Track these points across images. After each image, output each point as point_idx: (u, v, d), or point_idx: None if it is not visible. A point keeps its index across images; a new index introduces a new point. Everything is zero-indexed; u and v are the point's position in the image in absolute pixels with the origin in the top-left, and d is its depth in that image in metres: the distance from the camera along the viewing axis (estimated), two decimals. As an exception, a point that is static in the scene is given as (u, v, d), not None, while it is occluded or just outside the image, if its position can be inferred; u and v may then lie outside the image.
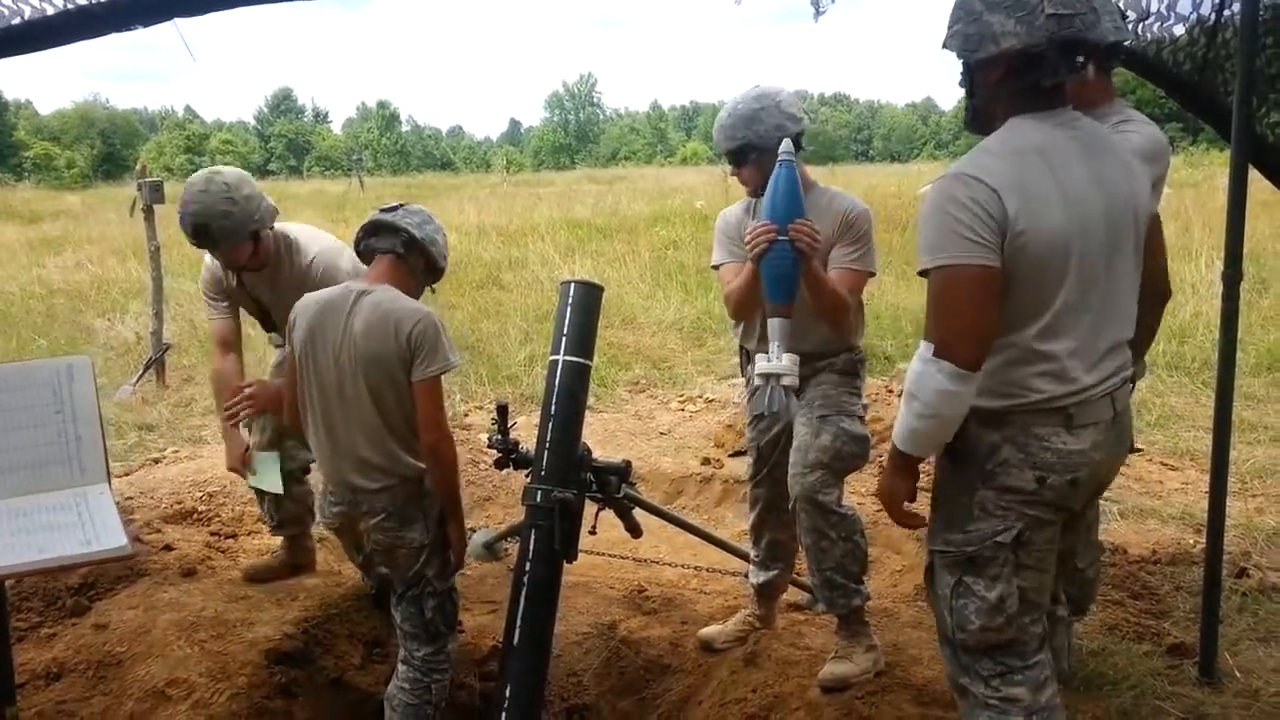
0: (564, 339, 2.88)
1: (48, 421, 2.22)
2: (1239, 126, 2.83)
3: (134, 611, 3.33)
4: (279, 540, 3.90)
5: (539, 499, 2.76)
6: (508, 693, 2.64)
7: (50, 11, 2.61)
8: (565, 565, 2.80)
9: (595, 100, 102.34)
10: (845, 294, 2.94)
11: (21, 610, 3.42)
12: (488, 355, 7.94)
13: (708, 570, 4.18)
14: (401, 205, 2.92)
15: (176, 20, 2.76)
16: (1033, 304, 1.94)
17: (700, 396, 7.02)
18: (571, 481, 2.82)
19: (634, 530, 3.35)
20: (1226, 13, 3.04)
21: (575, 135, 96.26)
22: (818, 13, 3.45)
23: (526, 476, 2.92)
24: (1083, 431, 1.98)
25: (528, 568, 2.72)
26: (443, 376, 2.75)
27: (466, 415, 6.39)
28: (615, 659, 3.52)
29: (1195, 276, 8.72)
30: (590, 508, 3.07)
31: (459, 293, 9.86)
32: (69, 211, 22.10)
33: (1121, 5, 2.99)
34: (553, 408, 2.85)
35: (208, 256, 3.51)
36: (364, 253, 2.92)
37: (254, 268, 3.43)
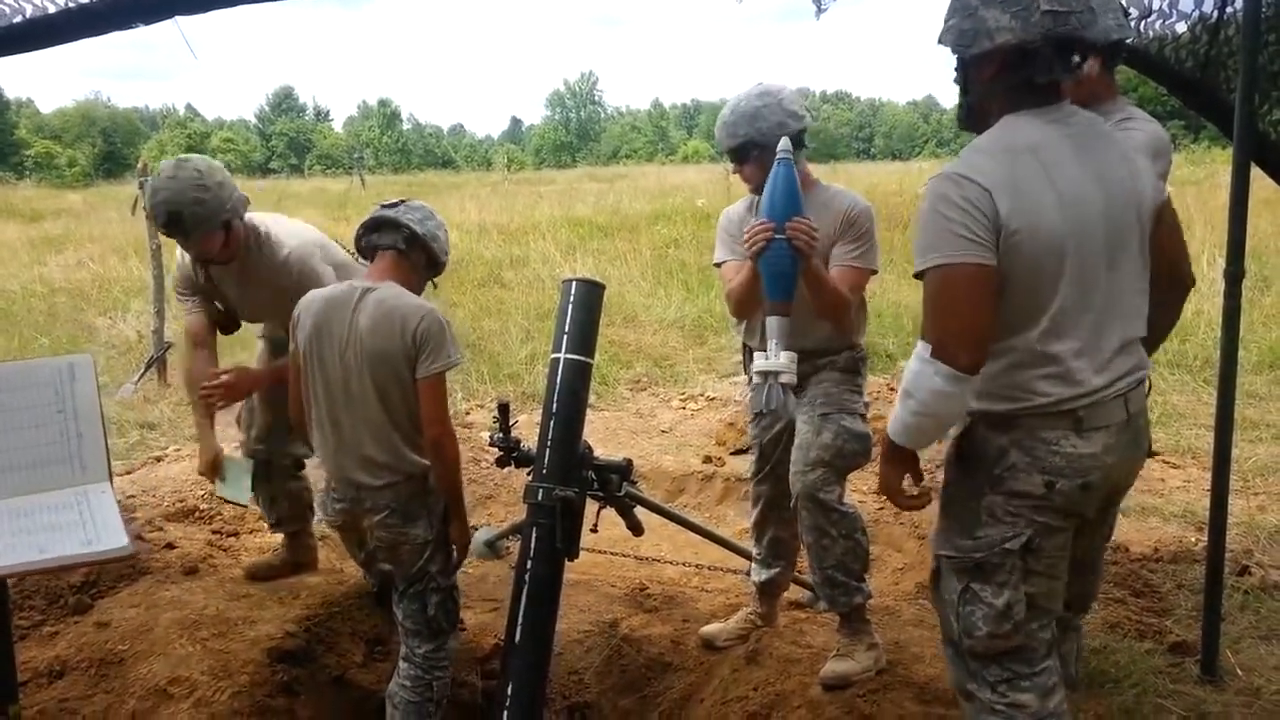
0: (565, 337, 2.88)
1: (49, 421, 2.22)
2: (1241, 124, 2.83)
3: (136, 610, 3.34)
4: (280, 538, 3.90)
5: (540, 497, 2.76)
6: (509, 690, 2.64)
7: (52, 10, 2.61)
8: (567, 563, 2.80)
9: (596, 98, 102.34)
10: (846, 292, 2.94)
11: (24, 609, 3.42)
12: (489, 353, 7.95)
13: (709, 568, 4.18)
14: (403, 201, 2.92)
15: (178, 18, 2.76)
16: (1031, 305, 1.92)
17: (701, 394, 7.02)
18: (573, 480, 2.82)
19: (635, 528, 3.35)
20: (1229, 10, 3.04)
21: (576, 133, 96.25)
22: (819, 10, 3.44)
23: (528, 475, 2.92)
24: (1093, 434, 1.95)
25: (529, 565, 2.73)
26: (446, 373, 2.76)
27: (468, 413, 6.39)
28: (617, 657, 3.52)
29: (1197, 274, 8.68)
30: (592, 506, 3.06)
31: (460, 291, 9.86)
32: (70, 210, 22.10)
33: (1124, 2, 2.98)
34: (554, 406, 2.85)
35: (180, 252, 3.44)
36: (365, 249, 2.92)
37: (223, 260, 3.34)
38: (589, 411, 3.21)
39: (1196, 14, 3.12)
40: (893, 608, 3.63)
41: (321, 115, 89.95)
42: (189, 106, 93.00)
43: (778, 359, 2.69)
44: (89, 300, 10.54)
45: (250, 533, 4.35)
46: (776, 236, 2.68)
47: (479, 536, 4.58)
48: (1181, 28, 3.14)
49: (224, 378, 3.34)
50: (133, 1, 2.70)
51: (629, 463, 3.15)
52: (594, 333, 2.95)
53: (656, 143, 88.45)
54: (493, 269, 11.55)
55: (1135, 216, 1.98)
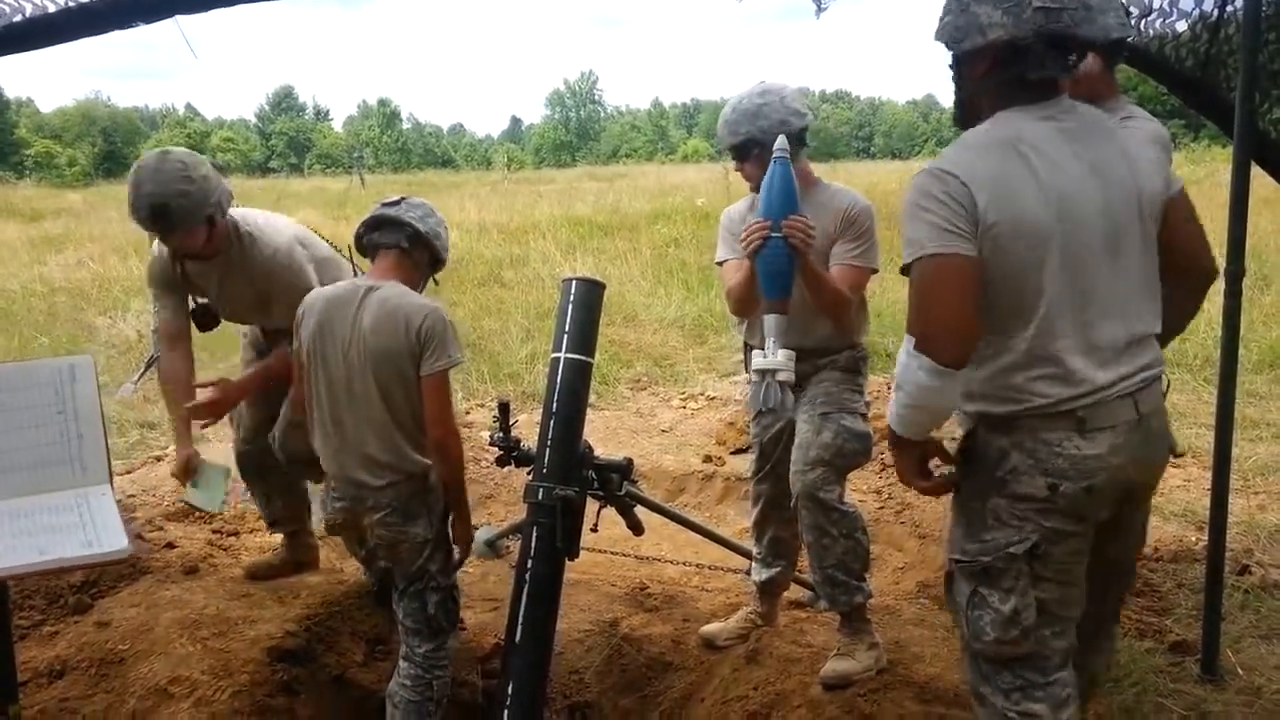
0: (566, 336, 2.88)
1: (49, 421, 2.21)
2: (1241, 123, 2.83)
3: (136, 609, 3.33)
4: (280, 538, 3.89)
5: (541, 496, 2.76)
6: (510, 690, 2.64)
7: (52, 9, 2.61)
8: (567, 563, 2.80)
9: (596, 98, 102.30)
10: (846, 290, 2.94)
11: (24, 608, 3.42)
12: (489, 353, 7.95)
13: (709, 568, 4.18)
14: (403, 199, 2.91)
15: (178, 18, 2.76)
16: (1020, 301, 1.90)
17: (702, 394, 7.02)
18: (573, 479, 2.82)
19: (636, 528, 3.35)
20: (1229, 9, 3.04)
21: (576, 133, 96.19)
22: (819, 9, 3.44)
23: (528, 474, 2.92)
24: (1097, 435, 1.91)
25: (530, 565, 2.73)
26: (449, 372, 2.76)
27: (468, 413, 6.39)
28: (617, 656, 3.52)
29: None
30: (592, 505, 3.06)
31: (460, 290, 9.86)
32: (70, 209, 22.09)
33: (1124, 1, 2.98)
34: (554, 405, 2.85)
35: (155, 247, 3.32)
36: (367, 248, 2.92)
37: (206, 255, 3.23)
38: (589, 411, 3.21)
39: (1197, 12, 3.13)
40: (893, 607, 3.63)
41: (321, 115, 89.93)
42: (189, 106, 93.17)
43: (775, 357, 2.70)
44: (89, 300, 10.53)
45: (250, 532, 4.35)
46: (773, 235, 2.68)
47: (479, 536, 4.58)
48: (1182, 26, 3.14)
49: (208, 393, 3.26)
50: (133, 1, 2.70)
51: (629, 462, 3.15)
52: (594, 332, 2.95)
53: (656, 142, 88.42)
54: (493, 268, 11.55)
55: (1137, 211, 1.94)
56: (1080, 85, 2.08)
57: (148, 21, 2.74)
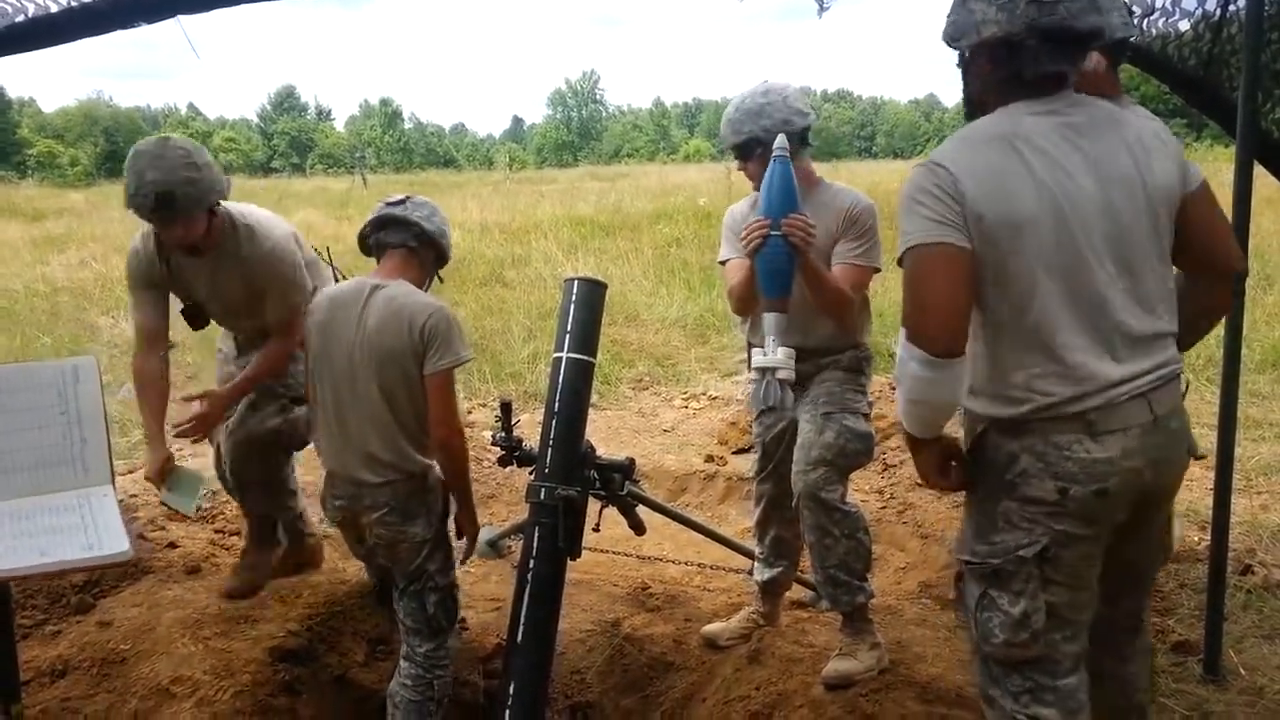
0: (568, 336, 2.88)
1: (52, 422, 2.21)
2: (1244, 122, 2.83)
3: (138, 609, 3.34)
4: (280, 535, 3.89)
5: (543, 496, 2.76)
6: (511, 690, 2.64)
7: (54, 9, 2.61)
8: (569, 562, 2.80)
9: (598, 97, 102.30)
10: (848, 289, 2.94)
11: (26, 608, 3.42)
12: (491, 352, 7.95)
13: (711, 568, 4.17)
14: (408, 198, 2.92)
15: (180, 17, 2.76)
16: (1016, 296, 1.89)
17: (704, 394, 7.02)
18: (575, 479, 2.82)
19: (637, 528, 3.35)
20: (1232, 8, 3.03)
21: (578, 132, 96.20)
22: (821, 9, 3.44)
23: (530, 474, 2.92)
24: (1108, 438, 1.87)
25: (531, 565, 2.72)
26: (454, 372, 2.76)
27: (470, 413, 6.39)
28: (619, 656, 3.52)
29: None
30: (594, 505, 3.06)
31: (462, 290, 9.86)
32: (72, 209, 22.12)
33: (1127, 0, 2.98)
34: (556, 405, 2.85)
35: (137, 239, 3.23)
36: (373, 247, 2.93)
37: (202, 248, 3.13)
38: (591, 411, 3.22)
39: (1199, 12, 3.12)
40: (895, 607, 3.63)
41: (323, 114, 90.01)
42: (191, 106, 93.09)
43: (775, 355, 2.70)
44: (91, 299, 10.54)
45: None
46: (773, 233, 2.68)
47: (481, 535, 4.58)
48: (1184, 25, 3.14)
49: (194, 407, 3.19)
50: (135, 1, 2.70)
51: (631, 462, 3.15)
52: (596, 332, 2.95)
53: (658, 142, 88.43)
54: (494, 268, 11.55)
55: (1144, 207, 1.90)
56: (1085, 84, 2.06)
57: (150, 21, 2.74)
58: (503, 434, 3.17)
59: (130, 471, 5.16)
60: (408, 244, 2.86)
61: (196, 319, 3.39)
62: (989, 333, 1.95)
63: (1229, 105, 2.97)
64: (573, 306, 2.90)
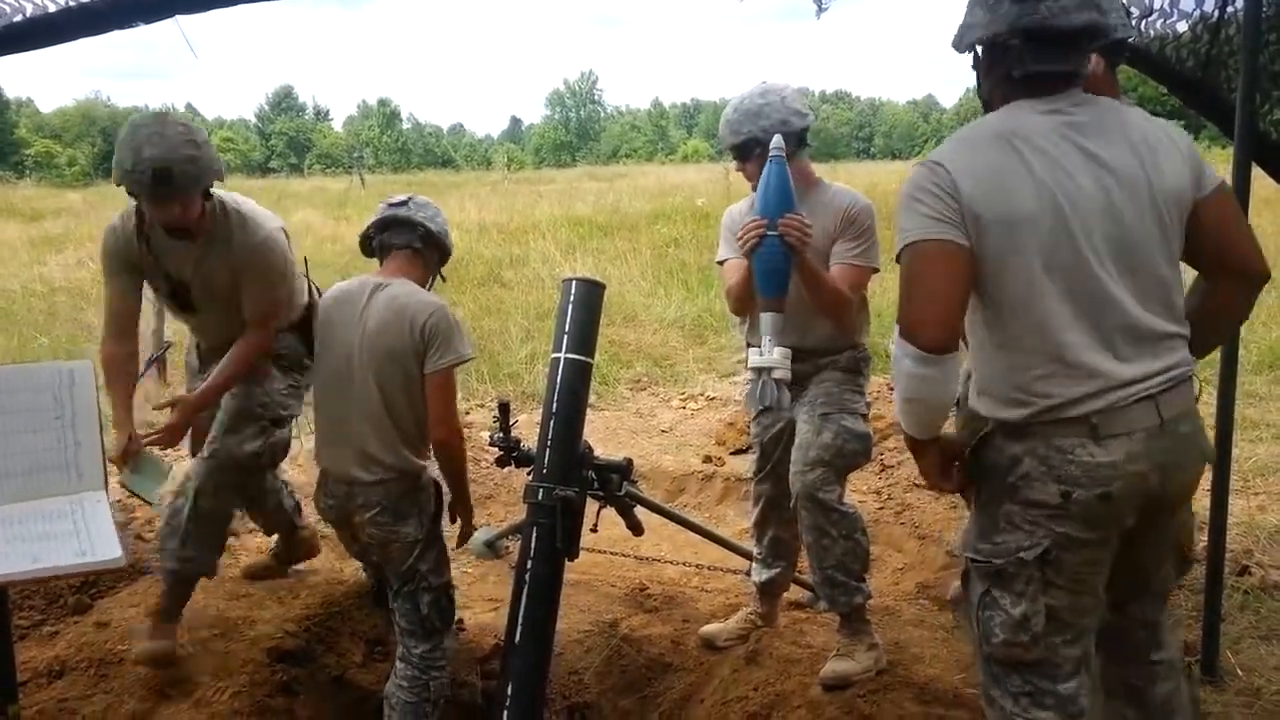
0: (566, 337, 2.88)
1: (47, 426, 2.18)
2: (1242, 124, 2.83)
3: (136, 610, 3.33)
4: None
5: (541, 497, 2.76)
6: (509, 691, 2.64)
7: (52, 9, 2.61)
8: (567, 563, 2.80)
9: (596, 98, 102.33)
10: (845, 289, 2.94)
11: (23, 608, 3.42)
12: (489, 353, 7.94)
13: (709, 568, 4.17)
14: (410, 198, 2.94)
15: (178, 17, 2.76)
16: (1017, 294, 1.88)
17: (701, 394, 7.02)
18: (573, 479, 2.82)
19: (635, 528, 3.35)
20: (1230, 9, 3.03)
21: (576, 133, 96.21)
22: (820, 10, 3.44)
23: (528, 474, 2.92)
24: (1112, 442, 1.85)
25: (529, 565, 2.72)
26: (455, 371, 2.78)
27: (468, 413, 6.39)
28: (617, 657, 3.52)
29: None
30: (592, 505, 3.06)
31: (460, 290, 9.85)
32: (70, 209, 22.08)
33: (1125, 1, 2.98)
34: (554, 405, 2.85)
35: (116, 218, 3.08)
36: (377, 248, 2.95)
37: (196, 232, 2.97)
38: (589, 411, 3.21)
39: (1197, 13, 3.12)
40: (893, 608, 3.63)
41: (321, 114, 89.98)
42: (189, 106, 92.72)
43: (771, 355, 2.70)
44: (89, 300, 10.52)
45: (250, 532, 4.34)
46: (769, 234, 2.69)
47: (479, 536, 4.58)
48: (1182, 27, 3.14)
49: (167, 416, 3.05)
50: (133, 1, 2.70)
51: (629, 462, 3.15)
52: (594, 332, 2.95)
53: (656, 142, 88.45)
54: (492, 268, 11.55)
55: (1149, 208, 1.88)
56: (1083, 85, 2.07)
57: (148, 21, 2.74)
58: (501, 434, 3.17)
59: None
60: (413, 245, 2.89)
61: (185, 303, 3.18)
62: (992, 334, 1.95)
63: (1227, 106, 2.97)
64: (570, 307, 2.90)
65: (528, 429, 3.25)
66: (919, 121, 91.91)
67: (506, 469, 3.40)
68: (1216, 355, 3.16)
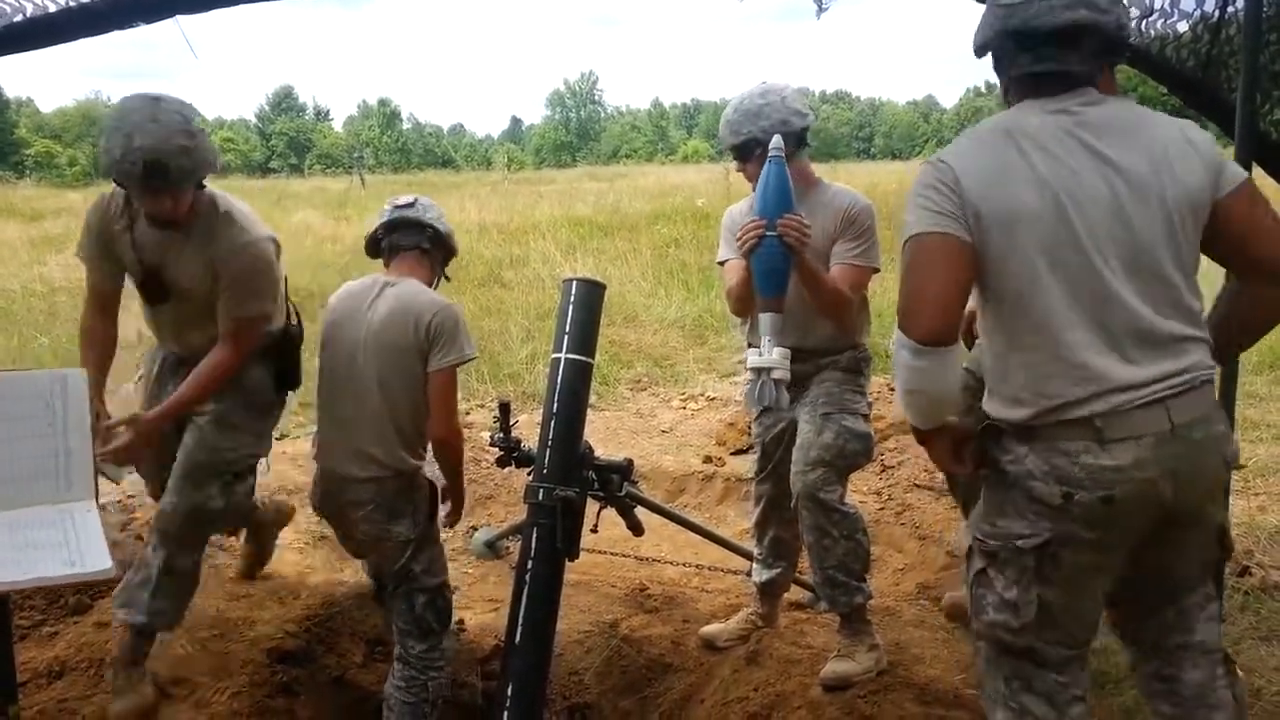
0: (566, 337, 2.88)
1: (38, 434, 2.15)
2: (1243, 124, 2.83)
3: (136, 610, 3.32)
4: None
5: (541, 497, 2.76)
6: (510, 691, 2.64)
7: (52, 9, 2.61)
8: (567, 563, 2.80)
9: (596, 98, 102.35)
10: (845, 289, 2.94)
11: (23, 609, 3.42)
12: (489, 353, 7.94)
13: (709, 569, 4.17)
14: (416, 199, 2.97)
15: (178, 18, 2.76)
16: (1019, 292, 1.88)
17: (702, 394, 7.02)
18: (573, 480, 2.82)
19: (636, 528, 3.35)
20: (1230, 9, 3.04)
21: (576, 133, 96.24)
22: (820, 10, 3.44)
23: (528, 475, 2.92)
24: (1117, 446, 1.82)
25: (530, 566, 2.72)
26: (457, 371, 2.80)
27: (468, 413, 6.38)
28: (617, 657, 3.52)
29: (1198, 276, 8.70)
30: (592, 506, 3.07)
31: (460, 290, 9.84)
32: (70, 209, 22.02)
33: (1126, 2, 2.98)
34: (555, 406, 2.85)
35: (105, 196, 2.90)
36: (385, 249, 2.97)
37: (182, 224, 2.79)
38: (589, 411, 3.21)
39: (1198, 13, 3.12)
40: (893, 608, 3.63)
41: (321, 115, 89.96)
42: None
43: (770, 355, 2.70)
44: (89, 300, 10.51)
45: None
46: (768, 234, 2.69)
47: (479, 536, 4.59)
48: (1183, 27, 3.14)
49: (122, 436, 2.75)
50: (133, 1, 2.70)
51: (629, 463, 3.15)
52: (594, 332, 2.95)
53: (656, 142, 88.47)
54: (493, 268, 11.55)
55: (1157, 208, 1.85)
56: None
57: (148, 21, 2.74)
58: (501, 435, 3.17)
59: (130, 472, 5.15)
60: (421, 245, 2.93)
61: (160, 292, 2.93)
62: (996, 333, 1.95)
63: (1227, 107, 2.97)
64: (571, 307, 2.91)
65: (528, 429, 3.25)
66: (919, 122, 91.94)
67: (507, 469, 3.40)
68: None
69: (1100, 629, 2.09)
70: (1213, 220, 1.91)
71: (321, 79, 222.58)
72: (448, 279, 3.12)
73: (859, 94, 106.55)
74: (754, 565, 3.47)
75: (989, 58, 2.04)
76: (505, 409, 3.19)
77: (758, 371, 2.73)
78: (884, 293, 8.58)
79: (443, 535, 3.06)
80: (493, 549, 4.52)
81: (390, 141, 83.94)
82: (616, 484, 3.10)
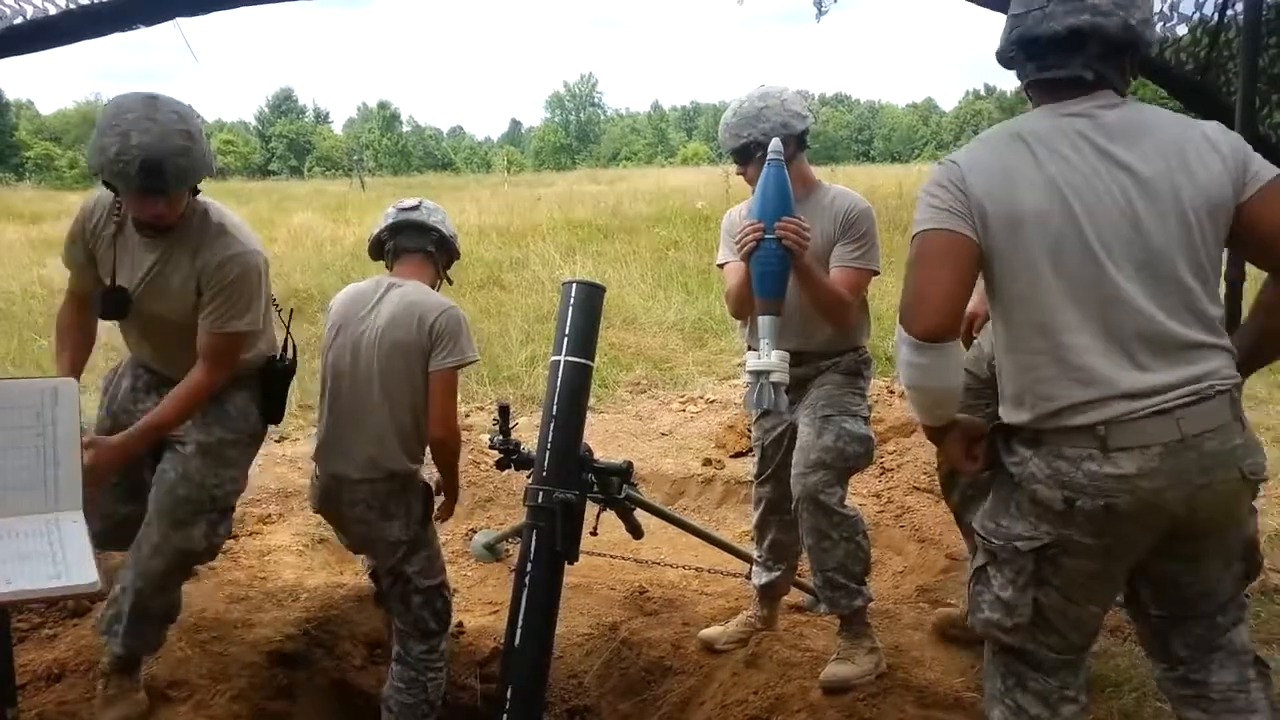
0: (565, 339, 2.88)
1: (27, 444, 2.12)
2: (1242, 127, 2.83)
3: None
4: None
5: (540, 500, 2.76)
6: (509, 694, 2.63)
7: (52, 11, 2.61)
8: (567, 566, 2.80)
9: (596, 100, 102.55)
10: (845, 292, 2.94)
11: (22, 611, 3.41)
12: (489, 356, 7.93)
13: (709, 571, 4.17)
14: (420, 202, 2.99)
15: (178, 20, 2.76)
16: (1020, 292, 1.88)
17: (701, 397, 7.01)
18: (573, 482, 2.81)
19: (635, 531, 3.35)
20: (1229, 12, 3.04)
21: (576, 136, 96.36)
22: (820, 13, 3.45)
23: (528, 477, 2.92)
24: (1122, 455, 1.79)
25: (529, 569, 2.72)
26: (459, 372, 2.83)
27: (468, 416, 6.38)
28: (616, 660, 3.52)
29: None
30: (592, 509, 3.06)
31: (460, 293, 9.84)
32: (70, 211, 21.70)
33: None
34: (554, 408, 2.85)
35: (91, 200, 2.74)
36: (390, 252, 2.98)
37: (172, 231, 2.63)
38: (589, 414, 3.21)
39: (1197, 16, 3.13)
40: (893, 611, 3.62)
41: (321, 117, 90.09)
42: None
43: (769, 358, 2.70)
44: (88, 302, 10.51)
45: (249, 535, 4.34)
46: (766, 236, 2.69)
47: (479, 539, 4.59)
48: (1182, 30, 3.15)
49: (87, 457, 2.39)
50: (133, 2, 2.71)
51: (629, 465, 3.15)
52: (594, 335, 2.95)
53: (656, 145, 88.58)
54: (492, 271, 11.55)
55: (1172, 211, 1.82)
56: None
57: (148, 24, 2.74)
58: (501, 437, 3.17)
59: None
60: (425, 248, 2.94)
61: (116, 307, 2.72)
62: (1002, 335, 1.96)
63: (1227, 109, 2.97)
64: (571, 310, 2.90)
65: (528, 432, 3.24)
66: (919, 124, 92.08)
67: (506, 472, 3.40)
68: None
69: (1099, 638, 2.08)
70: (1239, 222, 1.86)
71: (321, 81, 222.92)
72: (449, 281, 3.13)
73: (858, 97, 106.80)
74: (754, 568, 3.47)
75: (983, 60, 2.08)
76: (505, 411, 3.19)
77: (757, 374, 2.73)
78: (883, 295, 8.60)
79: (442, 538, 3.07)
80: (492, 552, 4.52)
81: (390, 144, 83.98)
82: (616, 486, 3.10)
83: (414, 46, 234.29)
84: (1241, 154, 1.87)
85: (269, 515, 4.54)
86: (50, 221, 19.32)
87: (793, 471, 3.00)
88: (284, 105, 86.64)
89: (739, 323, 3.31)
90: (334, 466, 2.83)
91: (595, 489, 3.05)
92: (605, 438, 6.08)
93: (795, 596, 3.67)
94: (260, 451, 3.09)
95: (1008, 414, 1.96)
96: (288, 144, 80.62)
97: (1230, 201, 1.85)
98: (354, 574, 3.74)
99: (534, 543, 2.74)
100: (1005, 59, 2.03)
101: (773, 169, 2.73)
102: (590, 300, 2.94)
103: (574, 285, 2.97)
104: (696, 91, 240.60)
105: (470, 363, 2.84)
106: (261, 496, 4.66)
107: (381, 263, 3.06)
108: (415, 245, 2.94)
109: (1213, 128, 1.91)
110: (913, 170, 29.62)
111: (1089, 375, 1.82)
